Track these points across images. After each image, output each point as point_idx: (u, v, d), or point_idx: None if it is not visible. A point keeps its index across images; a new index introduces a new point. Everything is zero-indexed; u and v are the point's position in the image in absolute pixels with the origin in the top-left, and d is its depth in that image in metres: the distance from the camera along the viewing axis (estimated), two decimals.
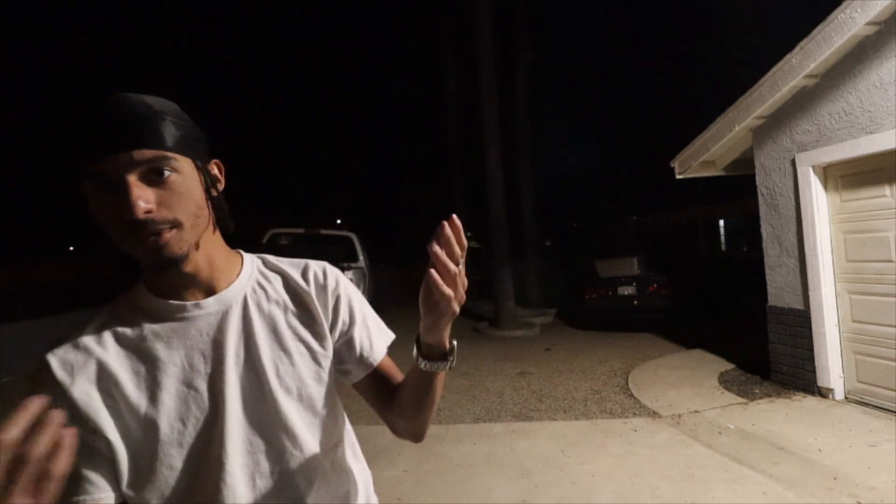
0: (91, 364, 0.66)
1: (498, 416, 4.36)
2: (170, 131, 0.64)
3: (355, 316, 0.82)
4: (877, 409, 3.86)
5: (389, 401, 0.82)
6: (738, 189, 7.64)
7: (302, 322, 0.77)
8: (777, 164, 4.63)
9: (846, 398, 4.16)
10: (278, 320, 0.76)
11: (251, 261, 0.80)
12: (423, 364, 0.73)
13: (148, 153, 0.61)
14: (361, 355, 0.81)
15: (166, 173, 0.63)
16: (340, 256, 7.65)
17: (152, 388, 0.67)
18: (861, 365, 4.08)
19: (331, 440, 0.78)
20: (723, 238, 15.83)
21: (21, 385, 0.67)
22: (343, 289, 0.82)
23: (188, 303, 0.71)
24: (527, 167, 11.96)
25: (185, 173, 0.66)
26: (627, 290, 8.52)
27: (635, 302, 8.44)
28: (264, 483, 0.70)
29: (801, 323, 4.44)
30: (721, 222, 15.61)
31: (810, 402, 4.19)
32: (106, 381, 0.66)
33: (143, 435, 0.66)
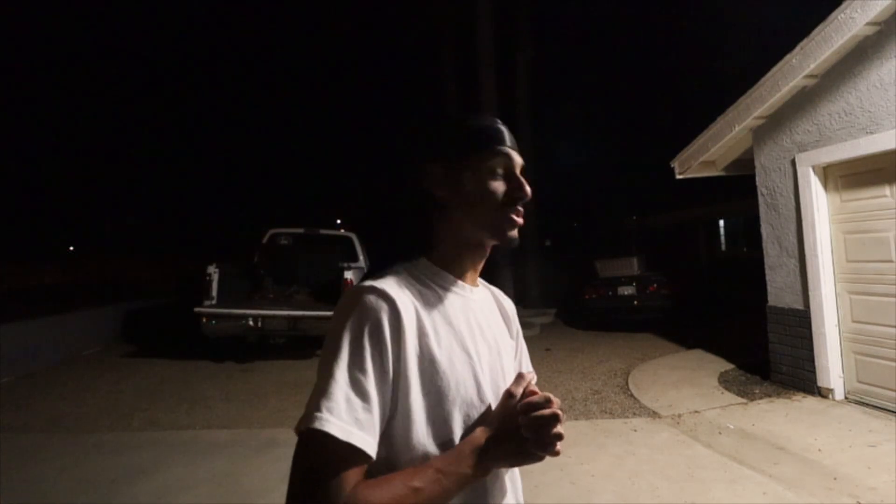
0: (412, 314, 0.72)
1: None
2: None
3: (522, 340, 1.00)
4: (877, 409, 3.86)
5: None
6: (738, 189, 7.64)
7: (500, 329, 0.89)
8: (777, 164, 4.63)
9: (846, 398, 4.16)
10: (512, 325, 0.94)
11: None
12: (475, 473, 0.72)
13: (521, 158, 0.87)
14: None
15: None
16: (340, 257, 7.65)
17: (447, 345, 0.74)
18: (861, 365, 4.08)
19: None
20: (723, 238, 15.82)
21: (363, 315, 0.68)
22: (514, 316, 0.98)
23: (468, 286, 0.84)
24: (527, 167, 11.94)
25: None
26: (627, 290, 8.52)
27: (635, 302, 8.44)
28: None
29: (801, 323, 4.44)
30: (721, 222, 15.59)
31: (810, 402, 4.19)
32: (420, 332, 0.72)
33: (432, 393, 0.70)
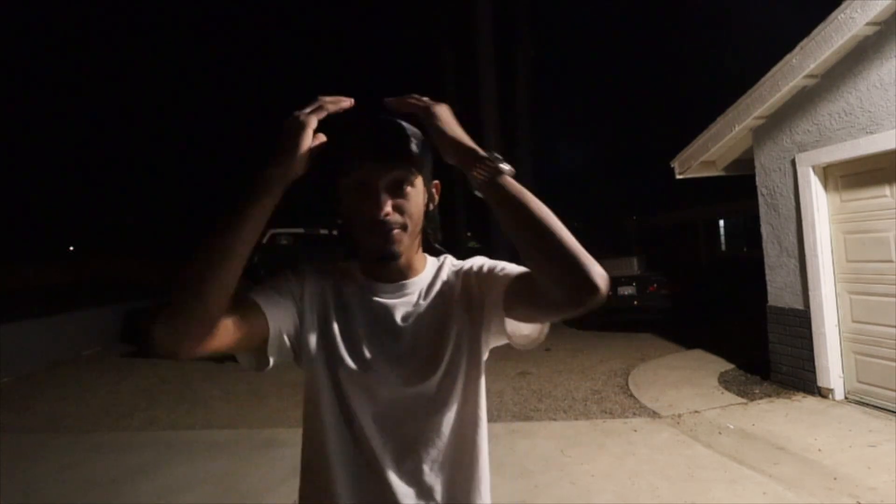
0: (324, 297, 0.85)
1: (498, 416, 4.36)
2: (415, 154, 0.81)
3: (484, 278, 0.88)
4: (877, 409, 3.86)
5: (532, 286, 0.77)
6: (738, 189, 7.63)
7: (464, 315, 0.87)
8: (777, 164, 4.63)
9: (846, 398, 4.16)
10: (447, 313, 0.86)
11: (434, 263, 0.93)
12: (476, 187, 0.77)
13: (398, 168, 0.78)
14: (495, 279, 0.86)
15: (406, 187, 0.79)
16: (340, 256, 7.64)
17: (349, 340, 0.83)
18: (861, 365, 4.08)
19: (463, 419, 0.89)
20: (723, 238, 15.81)
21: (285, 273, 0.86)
22: (477, 262, 0.91)
23: (385, 285, 0.86)
24: (527, 167, 11.96)
25: (417, 189, 0.82)
26: (627, 290, 8.52)
27: (635, 302, 8.44)
28: (400, 460, 0.82)
29: (801, 323, 4.44)
30: (721, 222, 15.59)
31: (810, 402, 4.19)
32: (323, 307, 0.84)
33: (332, 368, 0.82)
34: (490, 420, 3.66)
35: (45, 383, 6.46)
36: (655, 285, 8.36)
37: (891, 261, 3.82)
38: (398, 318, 0.85)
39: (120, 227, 26.31)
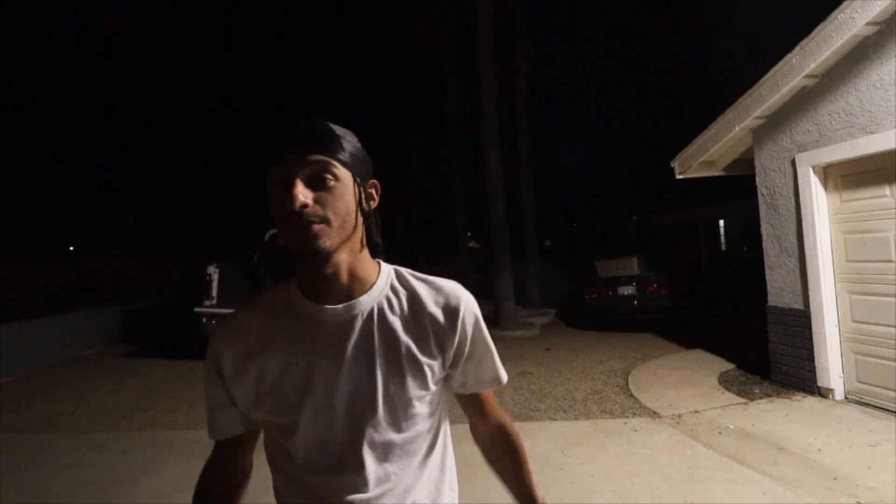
0: (243, 341, 0.82)
1: None
2: (339, 147, 0.76)
3: (476, 351, 0.87)
4: (877, 409, 3.86)
5: (476, 425, 1.01)
6: (738, 189, 7.63)
7: (418, 344, 0.81)
8: (777, 164, 4.63)
9: (846, 398, 4.16)
10: (398, 337, 0.80)
11: (387, 274, 0.86)
12: None
13: (317, 158, 0.74)
14: (464, 385, 0.90)
15: (328, 179, 0.74)
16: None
17: (280, 374, 0.79)
18: (861, 365, 4.08)
19: (422, 459, 0.84)
20: (723, 238, 15.83)
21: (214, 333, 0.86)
22: (472, 320, 0.86)
23: (326, 306, 0.80)
24: (527, 167, 11.96)
25: (343, 183, 0.76)
26: (627, 290, 8.52)
27: (635, 302, 8.44)
28: (348, 470, 0.79)
29: (801, 323, 4.44)
30: (721, 222, 15.60)
31: (810, 402, 4.19)
32: (248, 359, 0.81)
33: (266, 407, 0.80)
34: None
35: (45, 383, 6.47)
36: (655, 285, 8.36)
37: (891, 261, 3.82)
38: (347, 345, 0.78)
39: (120, 227, 26.31)
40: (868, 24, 3.61)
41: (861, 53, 3.82)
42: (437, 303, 0.84)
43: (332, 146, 0.75)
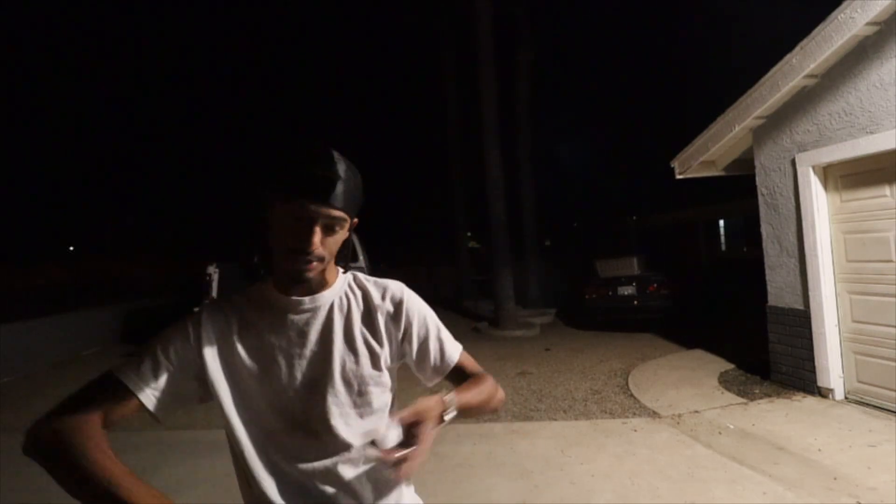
0: (225, 329, 0.92)
1: (498, 416, 4.36)
2: (351, 198, 0.86)
3: (429, 331, 1.00)
4: (877, 409, 3.86)
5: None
6: (738, 189, 7.63)
7: (371, 332, 0.96)
8: (777, 164, 4.63)
9: (846, 398, 4.16)
10: (354, 326, 0.95)
11: (344, 277, 1.00)
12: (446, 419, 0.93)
13: (335, 213, 0.84)
14: (435, 365, 1.00)
15: (336, 229, 0.87)
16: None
17: (256, 357, 0.91)
18: (861, 365, 4.08)
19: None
20: (723, 238, 15.82)
21: (184, 321, 0.93)
22: (414, 307, 1.00)
23: (293, 297, 0.93)
24: (527, 167, 11.96)
25: (344, 229, 0.89)
26: (627, 290, 8.52)
27: (635, 302, 8.44)
28: (307, 452, 0.90)
29: (801, 323, 4.44)
30: (721, 222, 15.59)
31: (810, 402, 4.19)
32: (226, 346, 0.91)
33: (236, 386, 0.90)
34: (490, 420, 3.71)
35: (45, 383, 6.46)
36: (655, 285, 8.36)
37: (891, 261, 3.82)
38: (310, 330, 0.93)
39: (120, 227, 26.31)
40: (868, 24, 3.61)
41: (861, 53, 3.82)
42: (384, 297, 0.99)
43: (346, 199, 0.85)
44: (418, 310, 1.00)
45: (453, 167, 13.31)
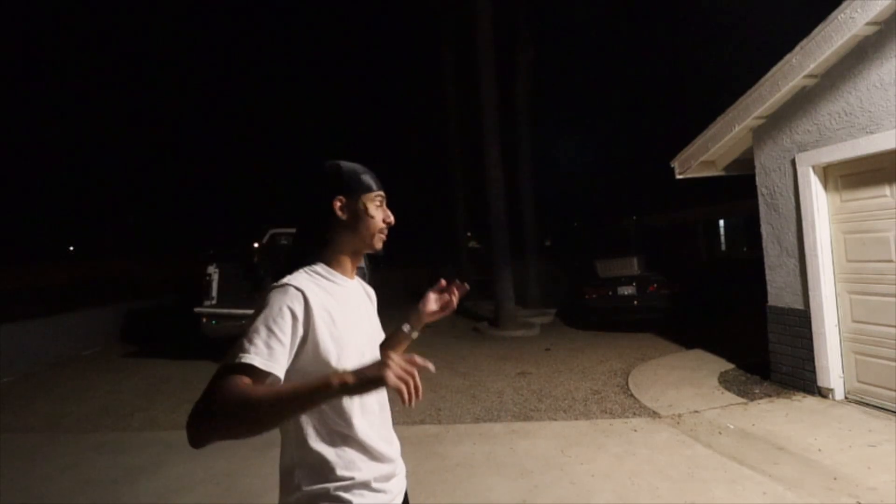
0: (321, 304, 1.09)
1: (498, 416, 4.36)
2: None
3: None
4: (877, 409, 3.86)
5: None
6: (738, 189, 7.63)
7: (368, 305, 1.31)
8: (777, 164, 4.63)
9: (846, 398, 4.16)
10: (371, 304, 1.32)
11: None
12: (413, 334, 1.44)
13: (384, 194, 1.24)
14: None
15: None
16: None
17: (346, 322, 1.13)
18: (861, 365, 4.08)
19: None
20: (723, 238, 15.82)
21: (283, 298, 1.06)
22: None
23: (347, 278, 1.23)
24: (527, 167, 11.95)
25: None
26: (627, 290, 8.52)
27: (635, 302, 8.43)
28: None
29: (801, 323, 4.44)
30: (721, 222, 15.59)
31: (810, 402, 4.19)
32: (326, 316, 1.09)
33: (339, 348, 1.09)
34: (490, 420, 3.72)
35: (46, 383, 6.47)
36: (655, 285, 8.35)
37: (891, 261, 3.82)
38: (359, 303, 1.24)
39: (120, 227, 26.30)
40: (868, 23, 3.61)
41: (861, 53, 3.82)
42: (366, 286, 1.35)
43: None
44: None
45: (453, 167, 13.30)
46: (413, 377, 0.87)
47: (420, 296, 1.48)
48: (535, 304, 11.52)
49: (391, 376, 0.85)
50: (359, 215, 1.18)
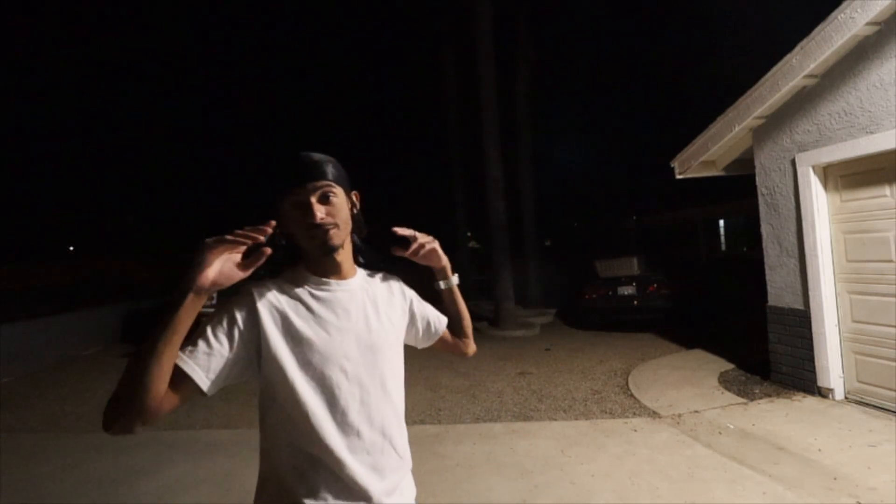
0: (277, 306, 1.03)
1: (498, 416, 4.36)
2: (332, 172, 1.06)
3: (419, 305, 1.30)
4: (877, 409, 3.86)
5: (451, 340, 1.39)
6: (738, 189, 7.63)
7: (389, 313, 1.17)
8: (777, 164, 4.63)
9: (846, 398, 4.16)
10: (380, 308, 1.15)
11: (362, 272, 1.20)
12: (441, 284, 1.33)
13: (321, 183, 1.03)
14: (435, 331, 1.34)
15: (330, 196, 1.04)
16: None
17: (313, 326, 1.03)
18: (861, 365, 4.08)
19: (402, 394, 1.16)
20: (723, 238, 15.81)
21: (230, 302, 1.05)
22: (407, 290, 1.29)
23: (332, 281, 1.10)
24: (527, 167, 11.96)
25: (340, 197, 1.06)
26: (627, 290, 8.52)
27: (635, 302, 8.44)
28: (364, 406, 1.04)
29: (801, 323, 4.44)
30: (721, 222, 15.58)
31: (810, 402, 4.19)
32: (280, 319, 1.02)
33: (299, 353, 1.01)
34: (490, 420, 3.72)
35: (45, 383, 6.47)
36: (655, 285, 8.36)
37: (891, 261, 3.82)
38: (351, 308, 1.09)
39: (120, 227, 26.31)
40: (868, 24, 3.61)
41: (861, 53, 3.82)
42: (391, 290, 1.23)
43: (329, 172, 1.05)
44: (413, 295, 1.29)
45: (453, 167, 13.31)
46: (232, 234, 0.90)
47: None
48: (535, 304, 11.52)
49: (208, 241, 0.88)
50: (287, 219, 1.04)
